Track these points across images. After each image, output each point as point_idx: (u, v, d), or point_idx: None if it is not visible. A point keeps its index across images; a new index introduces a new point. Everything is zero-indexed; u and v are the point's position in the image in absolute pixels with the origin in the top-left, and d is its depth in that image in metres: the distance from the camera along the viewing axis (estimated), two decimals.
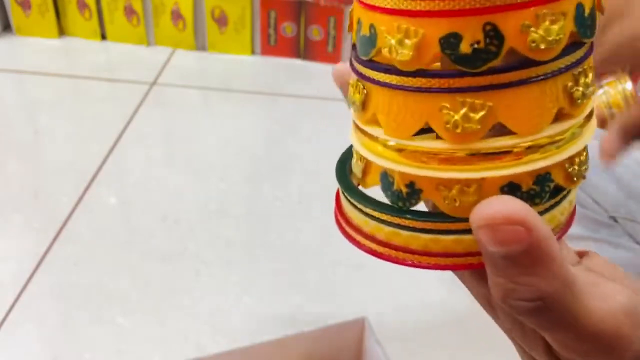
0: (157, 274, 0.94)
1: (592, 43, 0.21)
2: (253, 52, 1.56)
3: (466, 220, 0.19)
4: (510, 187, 0.20)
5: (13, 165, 1.16)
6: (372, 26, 0.20)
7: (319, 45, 1.53)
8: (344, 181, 0.24)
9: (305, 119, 1.32)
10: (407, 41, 0.19)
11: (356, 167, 0.23)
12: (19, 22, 1.57)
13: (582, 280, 0.20)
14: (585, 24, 0.19)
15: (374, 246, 0.22)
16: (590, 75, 0.20)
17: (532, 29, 0.18)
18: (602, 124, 1.36)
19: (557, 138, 0.20)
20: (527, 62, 0.19)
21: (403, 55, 0.19)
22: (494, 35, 0.18)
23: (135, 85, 1.41)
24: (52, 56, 1.52)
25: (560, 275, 0.19)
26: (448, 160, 0.20)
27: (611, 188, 0.63)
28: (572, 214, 0.23)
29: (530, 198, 0.20)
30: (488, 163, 0.20)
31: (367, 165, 0.23)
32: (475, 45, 0.19)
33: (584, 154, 0.21)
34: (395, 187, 0.21)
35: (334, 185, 0.25)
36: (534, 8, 0.18)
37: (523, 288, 0.19)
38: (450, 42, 0.19)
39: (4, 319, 0.86)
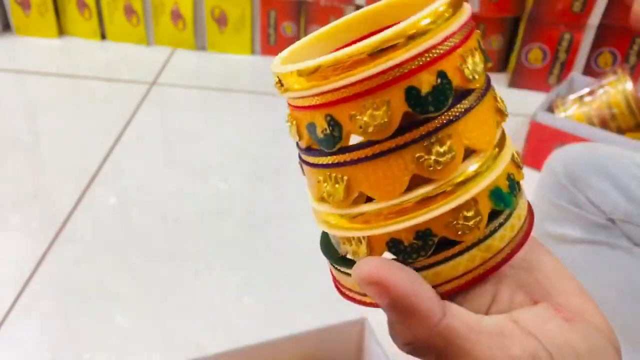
0: (157, 274, 0.94)
1: (464, 111, 0.23)
2: (253, 52, 1.56)
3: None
4: (394, 243, 0.24)
5: (13, 165, 1.16)
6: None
7: None
8: (328, 254, 0.27)
9: None
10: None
11: (352, 250, 0.26)
12: (19, 22, 1.57)
13: (486, 329, 0.22)
14: (422, 102, 0.22)
15: (368, 299, 0.25)
16: (449, 142, 0.22)
17: (358, 117, 0.22)
18: (603, 124, 1.37)
19: (421, 198, 0.23)
20: (369, 142, 0.23)
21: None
22: (334, 123, 0.23)
23: (135, 85, 1.41)
24: (52, 56, 1.52)
25: (428, 325, 0.22)
26: (346, 221, 0.24)
27: (609, 190, 0.63)
28: (494, 263, 0.24)
29: (414, 252, 0.23)
30: (369, 223, 0.24)
31: (369, 242, 0.25)
32: (324, 132, 0.23)
33: (473, 209, 0.23)
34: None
35: None
36: (360, 99, 0.22)
37: (398, 334, 0.23)
38: (309, 129, 0.24)
39: (4, 319, 0.86)
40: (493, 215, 0.24)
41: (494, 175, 0.23)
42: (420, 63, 0.21)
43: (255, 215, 1.06)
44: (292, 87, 0.23)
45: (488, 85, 0.24)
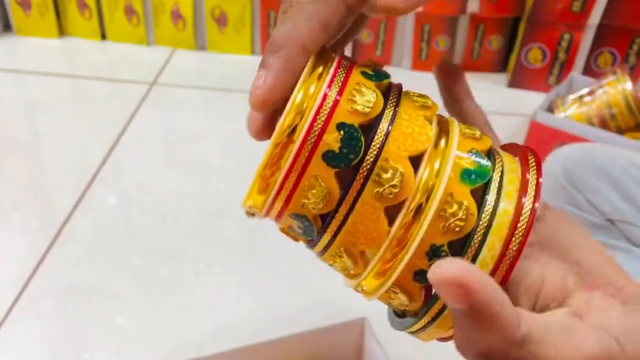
0: (157, 274, 0.94)
1: (384, 135, 0.23)
2: (253, 51, 1.56)
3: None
4: (416, 273, 0.24)
5: (13, 165, 1.16)
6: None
7: None
8: (397, 325, 0.28)
9: None
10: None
11: (393, 306, 0.27)
12: (19, 22, 1.57)
13: (555, 330, 0.22)
14: (342, 157, 0.23)
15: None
16: (390, 165, 0.23)
17: (306, 202, 0.24)
18: (602, 124, 1.36)
19: (404, 224, 0.24)
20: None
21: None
22: (298, 216, 0.25)
23: (135, 85, 1.41)
24: (52, 56, 1.52)
25: (508, 335, 0.21)
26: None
27: (607, 191, 0.63)
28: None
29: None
30: (387, 272, 0.25)
31: (392, 295, 0.26)
32: (300, 228, 0.26)
33: (454, 203, 0.23)
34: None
35: None
36: (296, 189, 0.24)
37: (471, 343, 0.22)
38: (293, 231, 0.28)
39: (4, 319, 0.86)
40: (481, 196, 0.23)
41: (451, 162, 0.23)
42: (317, 132, 0.23)
43: None
44: (258, 209, 0.26)
45: (398, 96, 0.24)
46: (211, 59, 1.55)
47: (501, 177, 0.24)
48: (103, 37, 1.59)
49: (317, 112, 0.23)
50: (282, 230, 0.28)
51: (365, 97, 0.23)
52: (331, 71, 0.24)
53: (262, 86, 0.23)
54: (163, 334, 0.85)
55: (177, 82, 1.44)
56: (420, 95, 0.25)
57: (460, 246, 0.23)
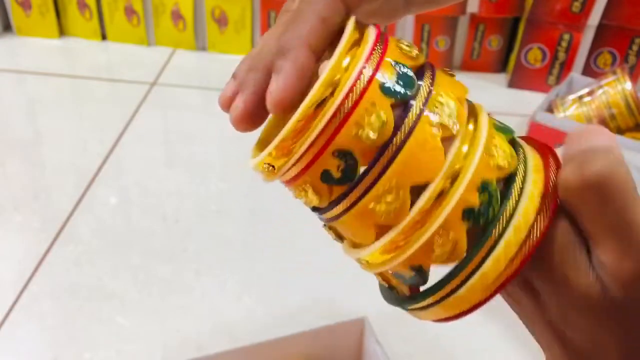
0: (157, 274, 0.94)
1: (387, 162, 0.23)
2: None
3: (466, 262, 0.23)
4: (414, 268, 0.25)
5: (13, 165, 1.16)
6: (294, 195, 0.26)
7: None
8: (395, 302, 0.27)
9: None
10: (307, 191, 0.25)
11: (384, 284, 0.28)
12: (20, 22, 1.57)
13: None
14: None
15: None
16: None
17: (361, 131, 0.23)
18: (602, 124, 1.36)
19: (389, 242, 0.24)
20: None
21: (312, 201, 0.25)
22: (344, 154, 0.23)
23: (136, 85, 1.41)
24: (53, 56, 1.53)
25: None
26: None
27: None
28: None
29: (418, 282, 0.25)
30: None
31: (384, 277, 0.27)
32: (340, 168, 0.24)
33: (443, 237, 0.23)
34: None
35: None
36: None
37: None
38: (326, 178, 0.25)
39: (4, 319, 0.86)
40: (476, 235, 0.23)
41: (454, 202, 0.22)
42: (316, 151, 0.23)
43: (255, 215, 1.06)
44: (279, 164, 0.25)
45: (417, 117, 0.23)
46: (211, 60, 1.55)
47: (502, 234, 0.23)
48: (103, 37, 1.59)
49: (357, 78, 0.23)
50: (301, 187, 0.26)
51: (375, 121, 0.23)
52: (368, 46, 0.23)
53: (277, 89, 0.24)
54: (163, 334, 0.85)
55: (177, 82, 1.44)
56: (446, 114, 0.24)
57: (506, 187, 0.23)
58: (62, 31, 1.59)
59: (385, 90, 0.23)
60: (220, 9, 1.52)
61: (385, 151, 0.23)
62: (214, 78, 1.47)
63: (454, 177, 0.22)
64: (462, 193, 0.22)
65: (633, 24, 1.38)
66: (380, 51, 0.23)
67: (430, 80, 0.24)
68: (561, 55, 1.44)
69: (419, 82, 0.23)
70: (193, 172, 1.16)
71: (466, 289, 0.23)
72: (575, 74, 1.33)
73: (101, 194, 1.09)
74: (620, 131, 1.15)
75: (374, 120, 0.22)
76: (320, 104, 0.22)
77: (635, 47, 1.42)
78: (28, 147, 1.23)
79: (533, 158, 0.25)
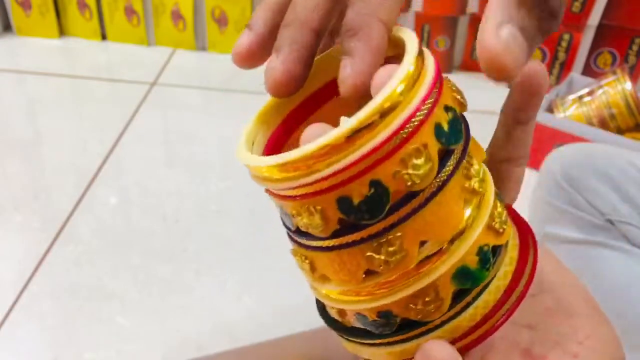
0: (157, 274, 0.94)
1: (410, 212, 0.21)
2: None
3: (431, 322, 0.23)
4: (359, 316, 0.24)
5: (13, 165, 1.17)
6: (282, 208, 0.23)
7: None
8: (332, 324, 0.27)
9: None
10: (313, 216, 0.21)
11: (333, 313, 0.27)
12: (20, 22, 1.57)
13: None
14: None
15: None
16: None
17: (404, 172, 0.20)
18: (602, 124, 1.36)
19: (375, 284, 0.22)
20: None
21: (316, 226, 0.21)
22: (378, 187, 0.20)
23: (136, 85, 1.41)
24: (53, 56, 1.52)
25: None
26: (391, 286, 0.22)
27: (607, 191, 0.63)
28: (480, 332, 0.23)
29: (379, 326, 0.23)
30: (343, 296, 0.24)
31: (340, 311, 0.26)
32: (366, 199, 0.21)
33: (432, 294, 0.22)
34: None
35: None
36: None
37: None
38: (344, 206, 0.21)
39: (4, 319, 0.86)
40: (460, 293, 0.22)
41: (455, 259, 0.21)
42: (351, 174, 0.20)
43: (255, 215, 1.06)
44: (272, 179, 0.22)
45: (452, 172, 0.21)
46: (211, 59, 1.55)
47: (483, 290, 0.23)
48: (103, 37, 1.59)
49: (417, 109, 0.20)
50: (306, 206, 0.23)
51: (419, 169, 0.20)
52: (429, 79, 0.21)
53: (352, 73, 0.21)
54: (163, 333, 0.85)
55: (177, 82, 1.44)
56: (476, 172, 0.23)
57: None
58: (62, 31, 1.59)
59: (438, 133, 0.21)
60: (220, 9, 1.52)
61: (413, 199, 0.20)
62: (213, 78, 1.47)
63: (455, 237, 0.21)
64: (463, 254, 0.21)
65: (633, 23, 1.38)
66: (439, 86, 0.21)
67: (467, 133, 0.22)
68: (561, 55, 1.44)
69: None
70: (193, 172, 1.16)
71: (417, 342, 0.23)
72: (575, 74, 1.33)
73: (101, 194, 1.09)
74: (620, 131, 1.15)
75: (421, 164, 0.20)
76: (360, 131, 0.19)
77: (635, 47, 1.42)
78: (28, 147, 1.23)
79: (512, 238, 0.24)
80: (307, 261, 0.24)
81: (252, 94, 1.42)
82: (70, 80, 1.45)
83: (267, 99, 0.25)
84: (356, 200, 0.20)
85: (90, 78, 1.45)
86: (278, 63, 0.22)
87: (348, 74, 0.21)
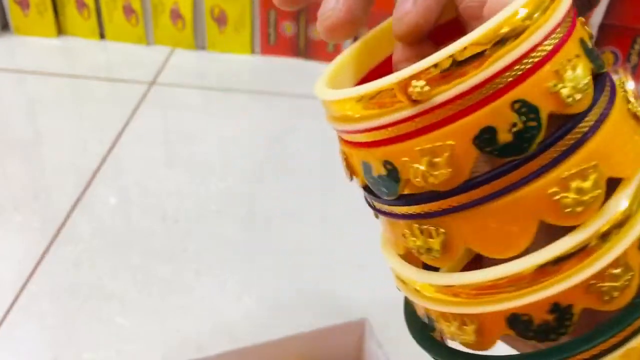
0: (157, 274, 0.94)
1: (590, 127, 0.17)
2: (253, 51, 1.56)
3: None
4: (514, 320, 0.18)
5: (13, 165, 1.16)
6: (386, 162, 0.17)
7: (319, 44, 1.52)
8: (429, 346, 0.20)
9: (305, 119, 1.32)
10: (437, 159, 0.16)
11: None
12: (18, 22, 1.57)
13: None
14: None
15: None
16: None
17: (560, 85, 0.16)
18: None
19: (553, 260, 0.16)
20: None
21: (440, 175, 0.16)
22: (527, 110, 0.16)
23: (135, 85, 1.41)
24: (51, 55, 1.52)
25: None
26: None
27: None
28: None
29: (549, 331, 0.17)
30: (478, 297, 0.17)
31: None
32: (514, 129, 0.16)
33: (622, 265, 0.16)
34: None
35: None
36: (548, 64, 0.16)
37: None
38: (485, 139, 0.16)
39: (3, 319, 0.85)
40: None
41: None
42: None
43: (255, 215, 1.06)
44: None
45: (612, 88, 0.17)
46: (211, 59, 1.55)
47: None
48: (102, 36, 1.59)
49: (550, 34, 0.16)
50: (430, 147, 0.17)
51: (577, 81, 0.17)
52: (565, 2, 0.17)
53: (412, 10, 0.17)
54: (163, 334, 0.85)
55: (176, 82, 1.44)
56: (636, 96, 0.19)
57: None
58: (60, 30, 1.59)
59: (586, 50, 0.17)
60: (219, 8, 1.51)
61: (580, 122, 0.16)
62: (213, 77, 1.47)
63: None
64: None
65: (635, 23, 1.38)
66: (572, 15, 0.18)
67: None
68: None
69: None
70: (193, 172, 1.15)
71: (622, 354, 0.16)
72: None
73: (101, 193, 1.09)
74: None
75: (578, 76, 0.16)
76: (500, 42, 0.15)
77: (637, 47, 1.42)
78: (27, 147, 1.22)
79: None
80: (438, 236, 0.17)
81: (252, 94, 1.41)
82: (69, 79, 1.44)
83: (268, 97, 0.22)
84: (502, 130, 0.15)
85: (89, 77, 1.44)
86: (413, 7, 0.18)
87: (408, 9, 0.17)
